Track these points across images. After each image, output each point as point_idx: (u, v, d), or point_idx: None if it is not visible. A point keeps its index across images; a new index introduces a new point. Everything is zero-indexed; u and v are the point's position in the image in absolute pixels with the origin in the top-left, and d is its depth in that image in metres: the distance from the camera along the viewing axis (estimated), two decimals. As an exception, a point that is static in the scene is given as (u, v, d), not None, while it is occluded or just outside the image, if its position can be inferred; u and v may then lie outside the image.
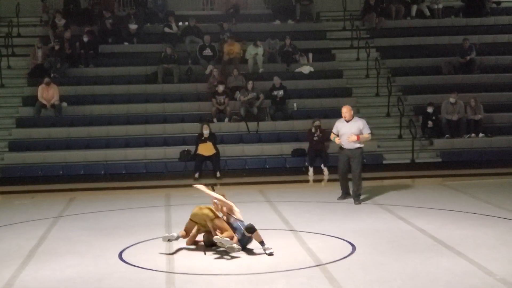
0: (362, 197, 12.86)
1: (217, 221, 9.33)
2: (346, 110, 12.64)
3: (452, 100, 18.30)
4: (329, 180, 15.94)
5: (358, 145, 12.60)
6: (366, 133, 12.59)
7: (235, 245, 9.13)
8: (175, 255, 9.20)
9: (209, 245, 9.49)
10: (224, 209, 9.64)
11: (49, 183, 16.09)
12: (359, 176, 12.64)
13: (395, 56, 21.24)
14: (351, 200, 12.84)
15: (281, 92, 18.85)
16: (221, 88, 18.59)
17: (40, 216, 12.13)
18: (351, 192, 12.93)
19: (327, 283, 7.89)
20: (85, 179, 16.56)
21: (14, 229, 11.22)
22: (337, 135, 12.74)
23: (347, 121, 12.60)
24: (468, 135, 18.28)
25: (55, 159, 17.41)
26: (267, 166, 17.47)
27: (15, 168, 17.12)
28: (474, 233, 10.13)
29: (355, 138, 12.46)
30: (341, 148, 12.75)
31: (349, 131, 12.54)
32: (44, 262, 9.10)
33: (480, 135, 18.28)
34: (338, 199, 12.94)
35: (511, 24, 22.78)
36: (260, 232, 9.27)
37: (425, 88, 19.95)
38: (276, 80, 18.94)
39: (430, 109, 18.28)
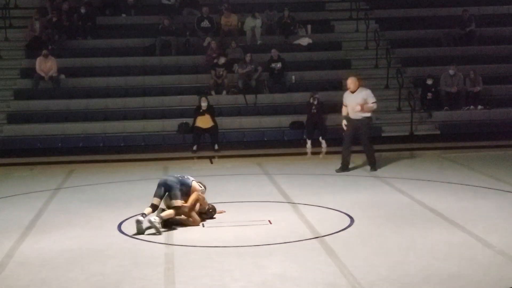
0: (366, 169, 13.02)
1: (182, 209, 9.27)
2: (350, 82, 12.75)
3: (451, 72, 18.25)
4: (327, 153, 15.95)
5: (364, 115, 12.70)
6: (371, 102, 12.66)
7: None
8: (173, 227, 9.21)
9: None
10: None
11: (48, 155, 16.09)
12: (368, 143, 12.85)
13: (394, 27, 21.12)
14: (349, 172, 12.90)
15: (279, 65, 18.77)
16: (222, 60, 18.50)
17: (39, 188, 12.14)
18: (350, 165, 13.07)
19: (326, 255, 7.91)
20: (84, 151, 16.56)
21: (14, 201, 11.24)
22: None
23: (353, 92, 12.66)
24: (467, 107, 18.26)
25: (53, 131, 17.39)
26: (265, 139, 17.46)
27: (14, 140, 17.11)
28: (473, 205, 10.15)
29: (359, 108, 12.58)
30: (348, 118, 12.80)
31: (354, 101, 12.64)
32: (43, 233, 9.12)
33: (479, 107, 18.26)
34: (336, 171, 12.96)
35: (511, -5, 22.64)
36: (256, 204, 9.23)
37: (424, 60, 19.88)
38: (274, 53, 18.84)
39: (429, 81, 18.23)
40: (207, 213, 9.60)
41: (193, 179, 9.48)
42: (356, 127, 12.75)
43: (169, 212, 9.11)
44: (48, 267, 7.74)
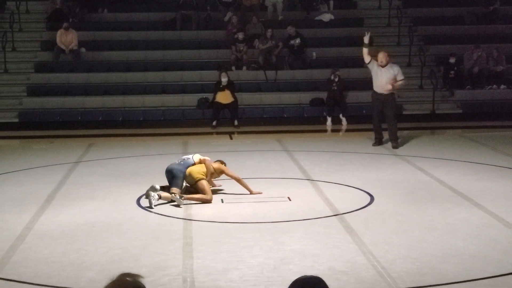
0: (393, 143, 13.03)
1: (200, 183, 9.30)
2: (382, 56, 12.87)
3: (478, 53, 17.96)
4: (347, 130, 15.85)
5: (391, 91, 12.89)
6: (400, 79, 12.79)
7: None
8: (192, 202, 9.20)
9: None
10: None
11: (68, 128, 16.13)
12: (393, 119, 12.97)
13: (417, 4, 20.83)
14: (370, 150, 12.82)
15: (297, 41, 18.58)
16: (240, 36, 18.38)
17: (59, 161, 12.18)
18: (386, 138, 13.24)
19: (344, 233, 7.87)
20: (103, 125, 16.59)
21: (33, 173, 11.29)
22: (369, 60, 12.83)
23: (383, 67, 12.74)
24: (490, 87, 18.03)
25: (73, 104, 17.42)
26: (285, 115, 17.37)
27: (34, 112, 17.16)
28: (493, 185, 10.05)
29: (390, 87, 12.73)
30: (374, 92, 12.94)
31: (384, 76, 12.75)
32: (63, 206, 9.16)
33: (502, 86, 18.02)
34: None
35: (537, -28, 22.20)
36: (276, 180, 9.21)
37: (447, 38, 19.61)
38: (290, 29, 18.60)
39: (452, 60, 18.00)
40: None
41: (192, 155, 9.58)
42: (383, 102, 12.87)
43: (166, 195, 9.15)
44: (67, 240, 7.77)
